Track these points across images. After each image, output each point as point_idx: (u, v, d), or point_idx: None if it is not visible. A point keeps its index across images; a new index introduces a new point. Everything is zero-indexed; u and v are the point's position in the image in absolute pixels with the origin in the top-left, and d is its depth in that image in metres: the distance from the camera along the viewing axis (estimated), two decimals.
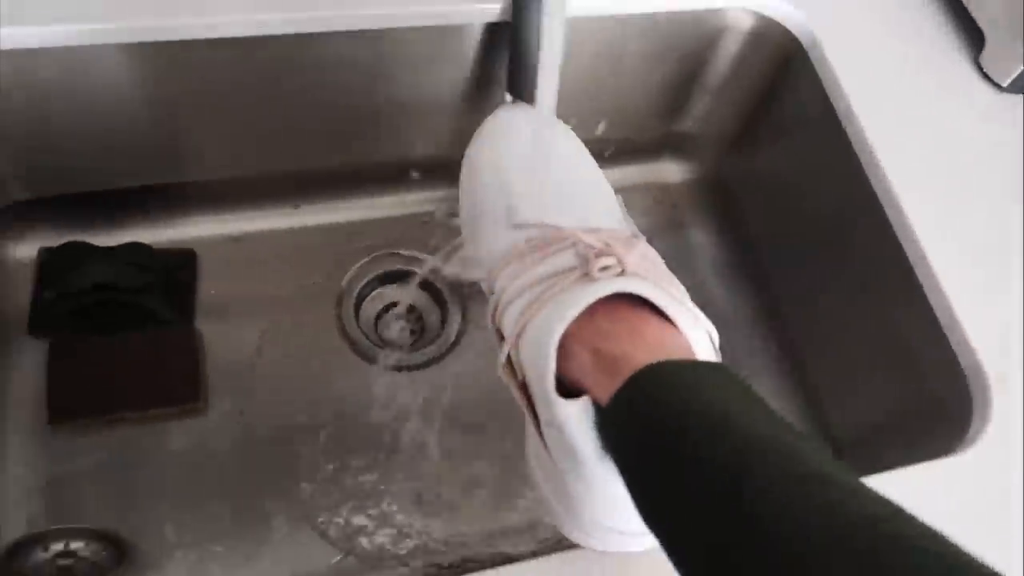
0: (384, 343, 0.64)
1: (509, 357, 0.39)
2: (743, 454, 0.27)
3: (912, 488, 0.43)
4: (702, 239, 0.73)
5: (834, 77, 0.57)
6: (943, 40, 0.60)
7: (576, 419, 0.34)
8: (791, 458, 0.27)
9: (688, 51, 0.63)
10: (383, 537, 0.56)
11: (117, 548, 0.51)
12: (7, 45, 0.46)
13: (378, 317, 0.65)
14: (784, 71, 0.62)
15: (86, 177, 0.58)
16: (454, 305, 0.66)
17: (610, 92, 0.64)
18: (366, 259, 0.65)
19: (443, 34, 0.54)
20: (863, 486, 0.26)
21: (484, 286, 0.45)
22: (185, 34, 0.48)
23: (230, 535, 0.54)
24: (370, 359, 0.62)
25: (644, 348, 0.34)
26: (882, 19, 0.61)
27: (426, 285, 0.66)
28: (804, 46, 0.59)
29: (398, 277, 0.66)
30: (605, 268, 0.37)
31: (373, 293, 0.66)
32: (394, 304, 0.66)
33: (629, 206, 0.73)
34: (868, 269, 0.57)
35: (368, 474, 0.57)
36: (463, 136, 0.59)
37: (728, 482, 0.27)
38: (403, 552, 0.55)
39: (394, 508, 0.56)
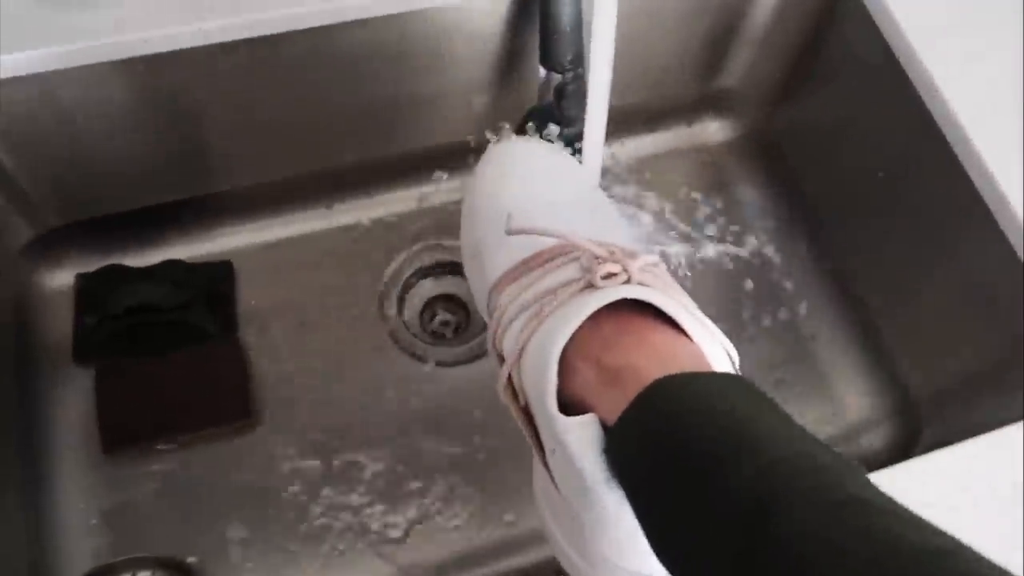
0: (433, 338, 0.62)
1: (510, 379, 0.36)
2: (768, 476, 0.24)
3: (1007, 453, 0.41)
4: (752, 199, 0.69)
5: (889, 14, 0.53)
6: None
7: (580, 439, 0.30)
8: (824, 480, 0.24)
9: (727, 2, 0.59)
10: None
11: (185, 575, 0.50)
12: (28, 70, 0.45)
13: (423, 311, 0.63)
14: (830, 13, 0.58)
15: (116, 197, 0.57)
16: None
17: (647, 53, 0.61)
18: (405, 254, 0.63)
19: (466, 9, 0.51)
20: (912, 514, 0.23)
21: (483, 310, 0.42)
22: (201, 40, 0.46)
23: (297, 554, 0.52)
24: (419, 357, 0.60)
25: (655, 360, 0.31)
26: None
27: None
28: None
29: (440, 269, 0.64)
30: (609, 276, 0.34)
31: (416, 287, 0.64)
32: (440, 297, 0.64)
33: (672, 170, 0.70)
34: (939, 216, 0.53)
35: (424, 483, 0.55)
36: (497, 116, 0.56)
37: (753, 506, 0.23)
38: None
39: (455, 523, 0.55)
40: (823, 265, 0.65)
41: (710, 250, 0.65)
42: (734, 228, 0.66)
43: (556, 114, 0.53)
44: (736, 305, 0.64)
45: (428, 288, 0.64)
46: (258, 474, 0.54)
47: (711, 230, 0.66)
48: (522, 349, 0.35)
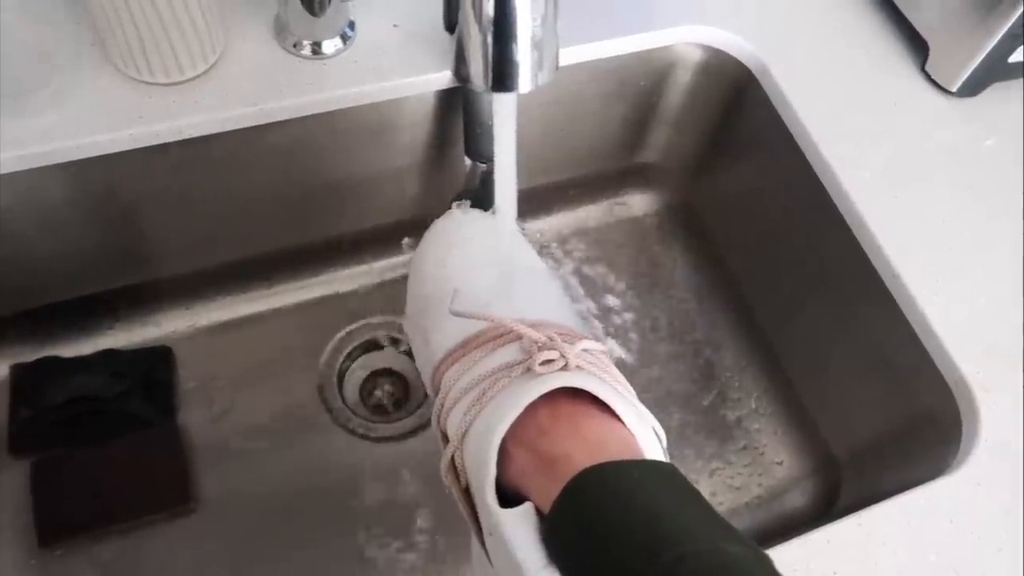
0: (373, 413, 0.63)
1: (453, 461, 0.37)
2: (679, 571, 0.26)
3: (912, 513, 0.43)
4: (677, 268, 0.73)
5: (785, 100, 0.57)
6: (889, 53, 0.61)
7: (517, 528, 0.32)
8: (729, 572, 0.26)
9: (643, 88, 0.63)
10: None
11: None
12: None
13: (362, 388, 0.65)
14: (738, 98, 0.62)
15: (52, 289, 0.57)
16: None
17: (571, 135, 0.65)
18: (343, 332, 0.65)
19: (395, 106, 0.54)
20: None
21: (428, 386, 0.43)
22: (130, 144, 0.48)
23: None
24: (356, 432, 0.61)
25: (585, 448, 0.32)
26: (827, 39, 0.61)
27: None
28: (754, 73, 0.59)
29: (378, 345, 0.66)
30: (547, 362, 0.36)
31: (354, 364, 0.65)
32: (377, 372, 0.66)
33: (600, 242, 0.73)
34: (841, 285, 0.57)
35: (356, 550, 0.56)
36: (427, 199, 0.59)
37: None
38: None
39: None
40: (745, 327, 0.68)
41: (634, 317, 0.69)
42: (658, 296, 0.70)
43: (481, 200, 0.56)
44: (662, 372, 0.66)
45: (366, 364, 0.66)
46: (197, 556, 0.55)
47: (634, 298, 0.69)
48: (465, 432, 0.36)
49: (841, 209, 0.54)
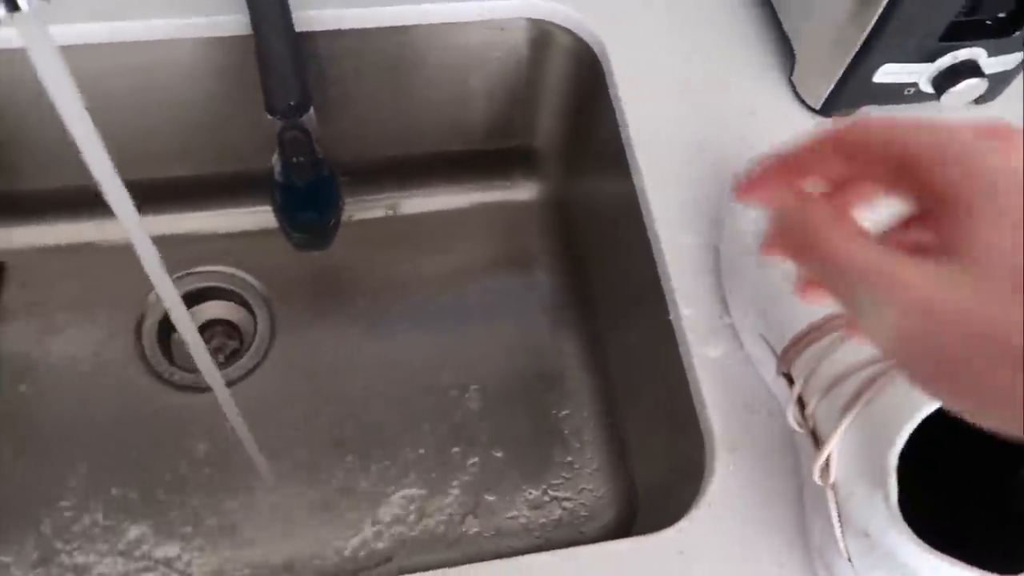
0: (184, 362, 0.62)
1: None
2: None
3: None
4: (544, 267, 0.67)
5: (619, 96, 0.52)
6: (759, 56, 0.54)
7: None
8: None
9: (502, 63, 0.59)
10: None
11: None
12: None
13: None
14: (591, 85, 0.57)
15: None
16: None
17: (424, 105, 0.61)
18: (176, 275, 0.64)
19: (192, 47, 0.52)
20: None
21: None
22: None
23: None
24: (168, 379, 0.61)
25: None
26: (688, 30, 0.55)
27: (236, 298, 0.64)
28: (598, 58, 0.54)
29: (211, 293, 0.64)
30: None
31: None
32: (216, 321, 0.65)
33: (475, 227, 0.68)
34: (655, 326, 0.52)
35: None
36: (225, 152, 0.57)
37: None
38: None
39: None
40: (590, 346, 0.63)
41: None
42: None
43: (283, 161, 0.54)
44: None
45: (200, 313, 0.65)
46: None
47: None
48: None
49: (649, 234, 0.49)
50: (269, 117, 0.53)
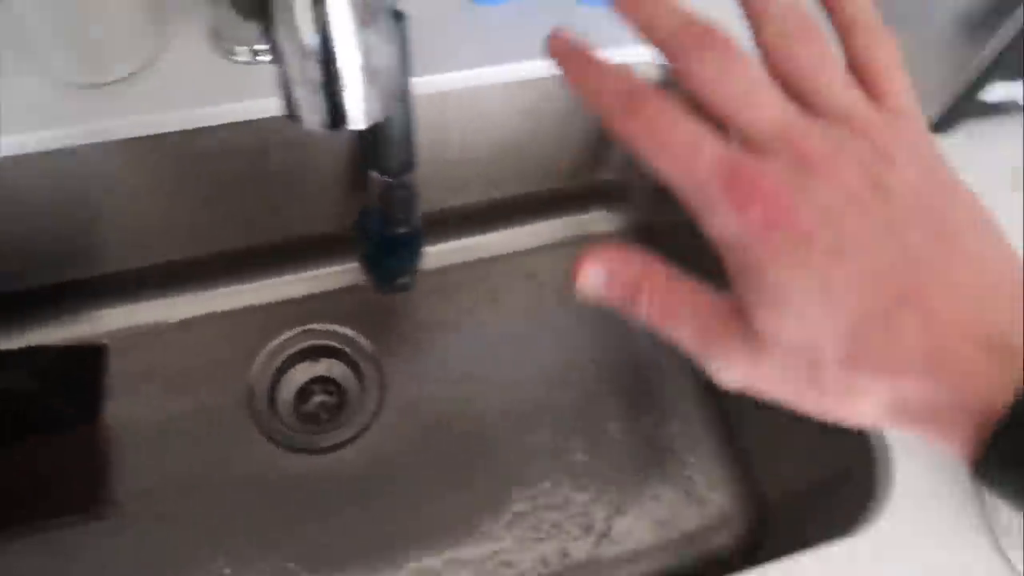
0: (304, 423, 0.63)
1: None
2: None
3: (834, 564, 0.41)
4: None
5: None
6: None
7: None
8: None
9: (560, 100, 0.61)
10: None
11: None
12: None
13: (297, 396, 0.64)
14: None
15: None
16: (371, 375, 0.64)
17: (534, 150, 0.64)
18: (276, 342, 0.64)
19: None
20: None
21: None
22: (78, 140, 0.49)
23: None
24: (283, 443, 0.61)
25: None
26: None
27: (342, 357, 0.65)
28: None
29: (314, 353, 0.65)
30: None
31: (289, 372, 0.65)
32: (312, 381, 0.65)
33: (563, 260, 0.71)
34: None
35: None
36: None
37: None
38: None
39: None
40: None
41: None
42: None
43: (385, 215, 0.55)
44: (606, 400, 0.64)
45: (302, 372, 0.65)
46: (107, 564, 0.54)
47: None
48: None
49: None
50: (377, 176, 0.54)
